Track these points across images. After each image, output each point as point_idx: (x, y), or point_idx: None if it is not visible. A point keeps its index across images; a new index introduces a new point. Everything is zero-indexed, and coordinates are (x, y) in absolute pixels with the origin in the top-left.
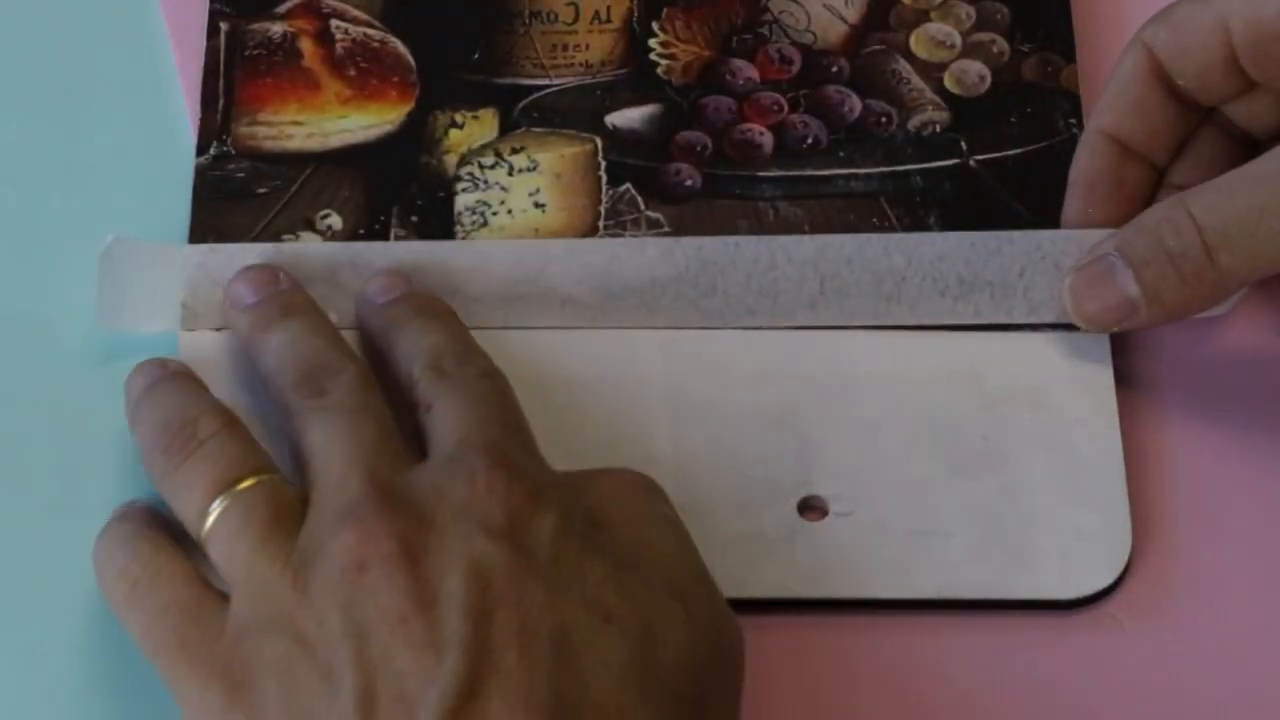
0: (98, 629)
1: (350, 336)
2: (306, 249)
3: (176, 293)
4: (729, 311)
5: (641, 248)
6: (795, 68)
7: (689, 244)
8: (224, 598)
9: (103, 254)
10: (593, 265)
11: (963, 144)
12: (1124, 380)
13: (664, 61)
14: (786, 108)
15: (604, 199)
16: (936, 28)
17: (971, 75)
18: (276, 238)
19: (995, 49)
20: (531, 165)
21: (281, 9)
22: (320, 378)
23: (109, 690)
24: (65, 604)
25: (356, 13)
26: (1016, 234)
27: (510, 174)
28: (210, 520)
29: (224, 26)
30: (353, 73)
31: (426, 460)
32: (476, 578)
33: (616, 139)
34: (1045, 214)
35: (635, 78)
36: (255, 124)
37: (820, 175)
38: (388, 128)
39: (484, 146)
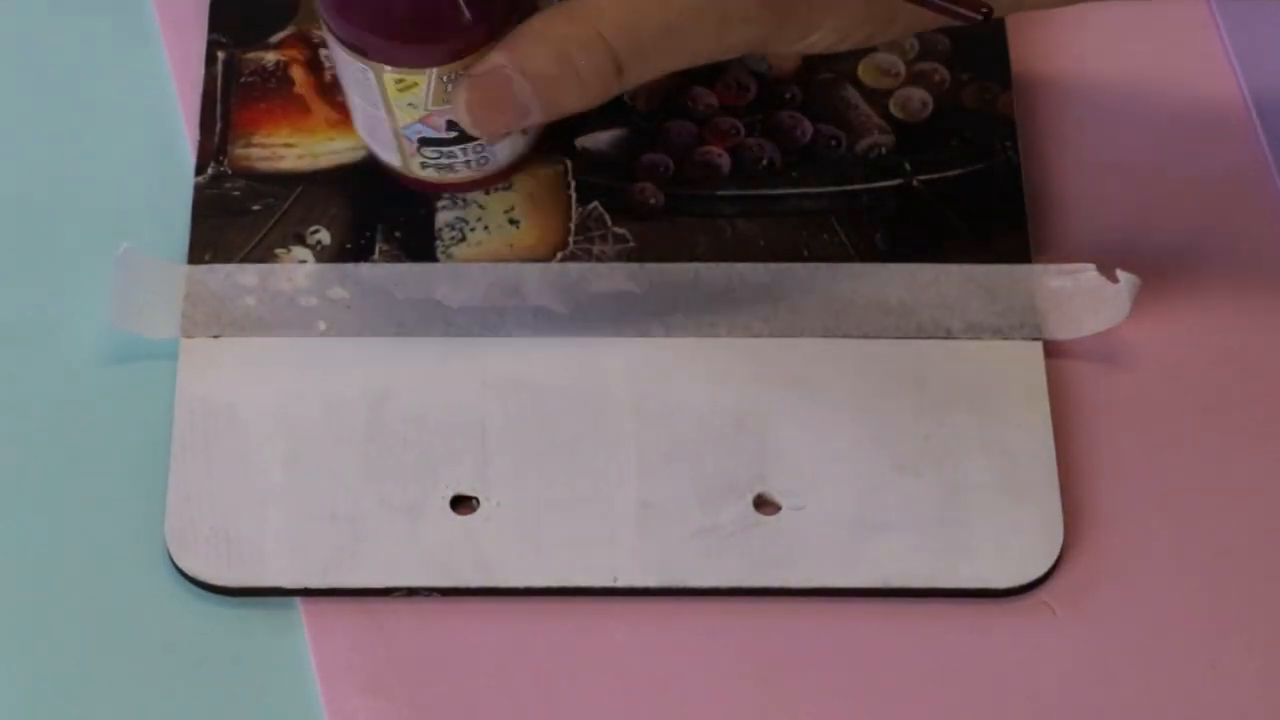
0: (109, 627)
1: (338, 344)
2: (298, 269)
3: (177, 304)
4: (689, 324)
5: (609, 270)
6: (751, 94)
7: (652, 268)
8: None
9: (116, 260)
10: (564, 282)
11: (906, 165)
12: (1056, 384)
13: None
14: (743, 131)
15: (574, 216)
16: (883, 57)
17: (915, 101)
18: (270, 251)
19: (937, 77)
20: (507, 184)
21: (274, 39)
22: None
23: (116, 688)
24: (77, 600)
25: None
26: (953, 267)
27: (487, 193)
28: None
29: (221, 56)
30: (340, 98)
31: None
32: None
33: (585, 160)
34: (982, 230)
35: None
36: (250, 146)
37: (774, 194)
38: None
39: None
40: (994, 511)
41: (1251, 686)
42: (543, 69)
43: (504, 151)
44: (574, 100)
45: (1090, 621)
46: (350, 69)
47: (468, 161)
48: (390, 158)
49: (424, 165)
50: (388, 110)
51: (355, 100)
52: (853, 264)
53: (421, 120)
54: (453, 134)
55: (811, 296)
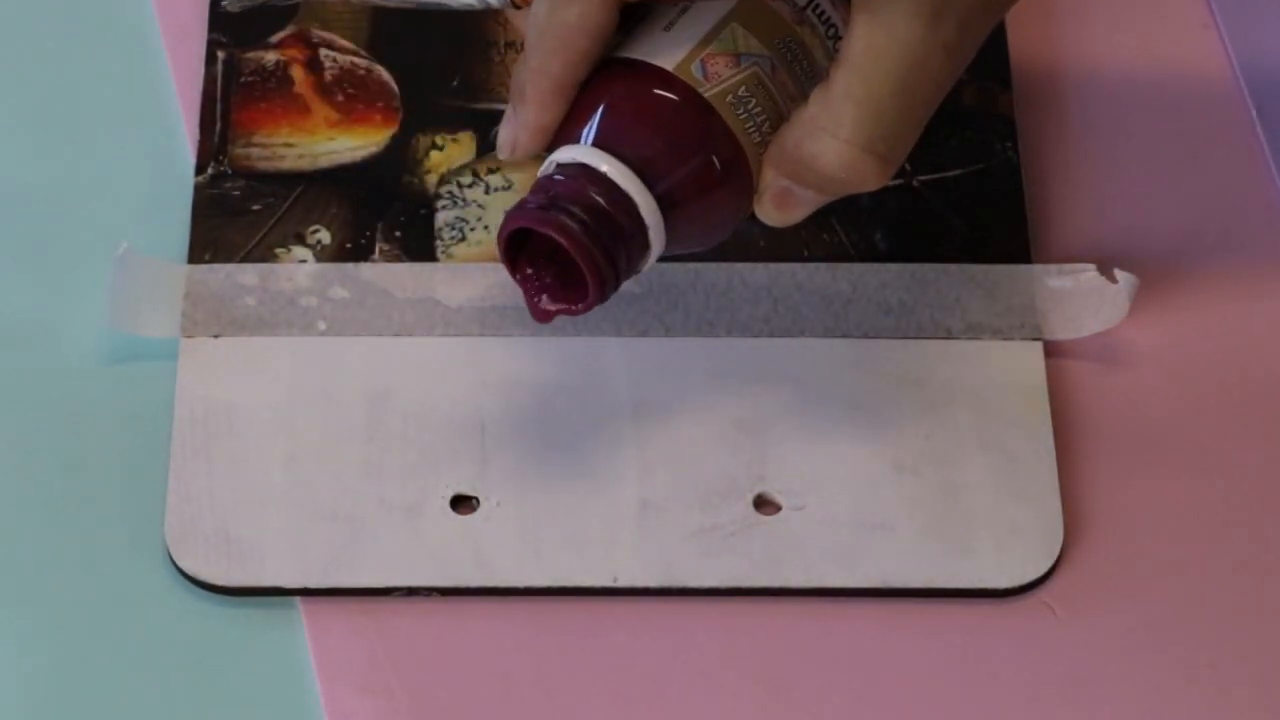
0: (109, 627)
1: (338, 344)
2: (298, 269)
3: (177, 303)
4: (689, 324)
5: None
6: None
7: (652, 268)
8: None
9: (116, 260)
10: None
11: (907, 165)
12: (1056, 384)
13: None
14: None
15: None
16: None
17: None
18: (270, 251)
19: None
20: (506, 184)
21: (274, 39)
22: None
23: (116, 688)
24: (77, 600)
25: (344, 43)
26: (953, 266)
27: (487, 192)
28: None
29: (221, 55)
30: (340, 98)
31: None
32: None
33: None
34: (982, 230)
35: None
36: (250, 146)
37: None
38: (373, 149)
39: (462, 167)
40: (994, 511)
41: (1251, 687)
42: (810, 181)
43: None
44: (856, 189)
45: (1090, 621)
46: None
47: None
48: None
49: None
50: None
51: None
52: (853, 264)
53: None
54: None
55: (811, 296)
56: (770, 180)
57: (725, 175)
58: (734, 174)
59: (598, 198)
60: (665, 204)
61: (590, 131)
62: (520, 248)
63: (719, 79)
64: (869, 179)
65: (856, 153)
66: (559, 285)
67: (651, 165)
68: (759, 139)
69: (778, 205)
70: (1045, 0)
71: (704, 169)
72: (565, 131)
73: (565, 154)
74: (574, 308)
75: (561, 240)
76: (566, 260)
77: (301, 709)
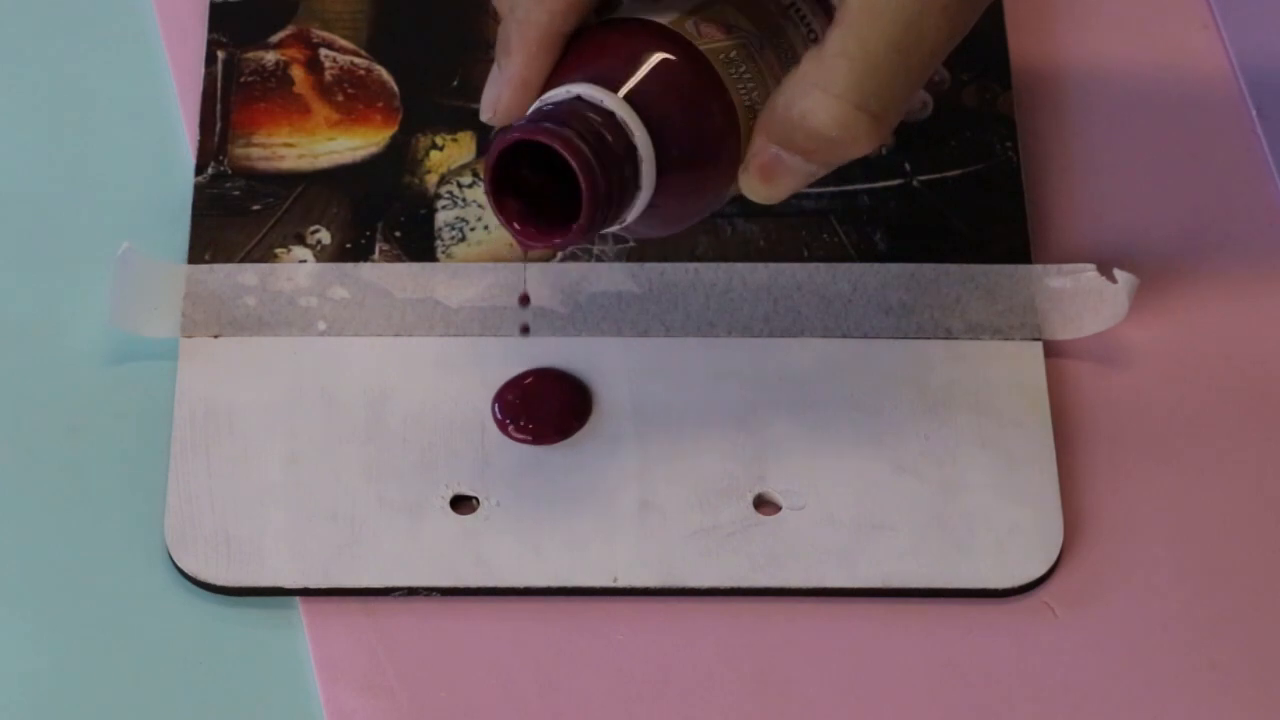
0: (109, 627)
1: (338, 344)
2: (298, 269)
3: (177, 303)
4: (689, 324)
5: (609, 270)
6: None
7: (652, 268)
8: None
9: (116, 260)
10: (564, 282)
11: (907, 165)
12: (1056, 384)
13: None
14: None
15: None
16: None
17: (915, 101)
18: (270, 251)
19: (937, 77)
20: None
21: (274, 39)
22: None
23: (116, 688)
24: (77, 600)
25: (344, 43)
26: (953, 267)
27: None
28: None
29: (221, 55)
30: (340, 98)
31: None
32: None
33: None
34: (982, 230)
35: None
36: (250, 146)
37: None
38: (373, 149)
39: (462, 167)
40: (994, 511)
41: (1251, 686)
42: (801, 144)
43: None
44: (848, 156)
45: (1090, 621)
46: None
47: None
48: None
49: None
50: None
51: None
52: (853, 264)
53: None
54: None
55: (811, 296)
56: (758, 147)
57: (719, 129)
58: (725, 129)
59: (594, 117)
60: (658, 149)
61: (582, 78)
62: (503, 185)
63: (712, 38)
64: (860, 138)
65: (849, 109)
66: (540, 222)
67: (644, 110)
68: (749, 103)
69: (764, 176)
70: (1045, 0)
71: (697, 117)
72: (551, 87)
73: (556, 93)
74: (557, 240)
75: (565, 153)
76: (552, 194)
77: (301, 709)
